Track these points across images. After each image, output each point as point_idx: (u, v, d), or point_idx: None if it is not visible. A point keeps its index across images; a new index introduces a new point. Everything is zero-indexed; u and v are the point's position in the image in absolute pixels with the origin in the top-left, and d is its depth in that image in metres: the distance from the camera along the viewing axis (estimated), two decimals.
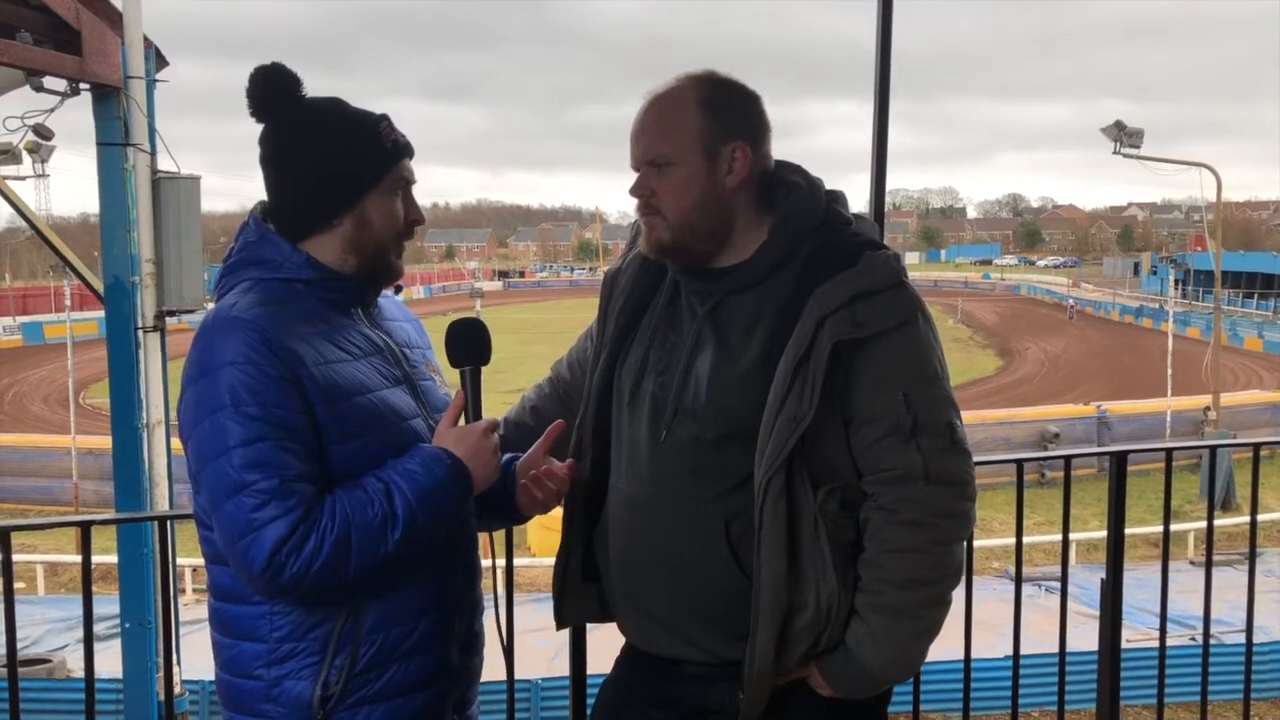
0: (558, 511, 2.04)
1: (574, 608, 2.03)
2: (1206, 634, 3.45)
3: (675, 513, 1.82)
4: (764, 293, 1.80)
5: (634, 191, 1.83)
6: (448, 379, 1.95)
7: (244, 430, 1.61)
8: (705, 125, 1.79)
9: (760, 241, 1.82)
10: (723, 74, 1.85)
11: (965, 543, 1.86)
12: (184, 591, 13.71)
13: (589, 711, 2.19)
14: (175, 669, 3.77)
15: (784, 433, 1.71)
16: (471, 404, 1.81)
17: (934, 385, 1.78)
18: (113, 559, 7.56)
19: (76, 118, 6.66)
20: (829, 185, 1.90)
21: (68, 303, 25.58)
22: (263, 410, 1.62)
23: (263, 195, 1.83)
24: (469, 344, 1.85)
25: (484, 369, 1.85)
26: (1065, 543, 3.23)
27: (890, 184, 3.08)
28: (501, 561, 3.00)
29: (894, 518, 1.75)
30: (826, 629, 1.77)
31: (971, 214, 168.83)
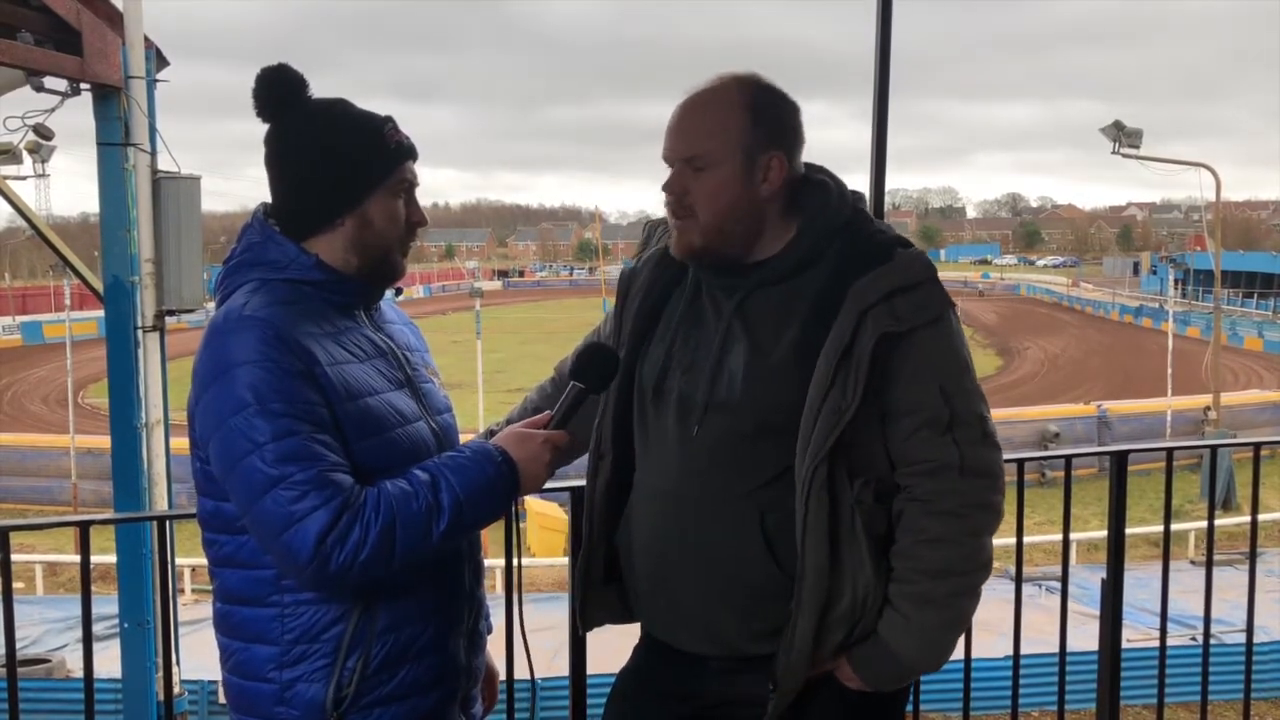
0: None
1: (597, 610, 2.04)
2: (1207, 634, 3.45)
3: (709, 507, 1.82)
4: (793, 288, 1.81)
5: (667, 188, 1.83)
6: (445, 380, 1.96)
7: (272, 426, 1.60)
8: (749, 131, 1.79)
9: (787, 239, 1.83)
10: (766, 79, 1.84)
11: (994, 536, 1.86)
12: (183, 592, 13.71)
13: (592, 708, 2.19)
14: (174, 669, 3.77)
15: (827, 425, 1.72)
16: (560, 417, 1.82)
17: (967, 378, 1.81)
18: (111, 559, 7.56)
19: (76, 118, 6.67)
20: None
21: (67, 302, 25.59)
22: (288, 405, 1.61)
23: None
24: (595, 369, 1.86)
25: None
26: (1065, 542, 3.22)
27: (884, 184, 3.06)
28: (502, 561, 3.00)
29: (930, 508, 1.77)
30: (861, 619, 1.79)
31: (971, 214, 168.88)
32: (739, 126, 1.79)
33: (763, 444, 1.79)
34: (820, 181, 1.87)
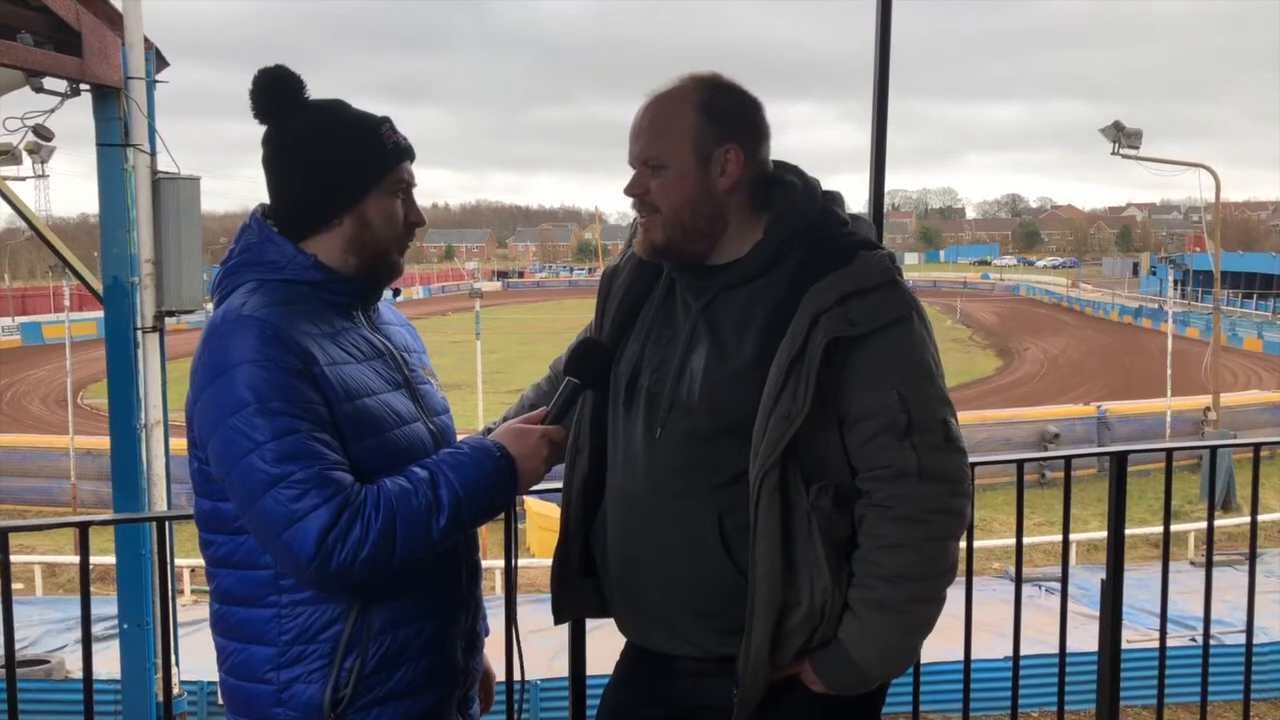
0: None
1: (572, 602, 2.04)
2: (1206, 634, 3.45)
3: (670, 508, 1.83)
4: (757, 290, 1.81)
5: (629, 190, 1.85)
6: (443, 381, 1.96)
7: (272, 425, 1.60)
8: (700, 128, 1.80)
9: (755, 240, 1.83)
10: (726, 78, 1.85)
11: (959, 541, 1.86)
12: (182, 592, 13.71)
13: (591, 708, 2.19)
14: (174, 669, 3.77)
15: (778, 430, 1.72)
16: (556, 412, 1.84)
17: (928, 383, 1.79)
18: (111, 560, 7.55)
19: (76, 119, 6.67)
20: None
21: (66, 303, 25.63)
22: (288, 404, 1.61)
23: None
24: (589, 363, 1.89)
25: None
26: (1065, 543, 3.22)
27: (884, 184, 3.06)
28: (502, 562, 3.01)
29: (887, 513, 1.75)
30: (820, 625, 1.78)
31: (970, 214, 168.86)
32: (690, 123, 1.80)
33: (723, 446, 1.79)
34: (789, 182, 1.87)
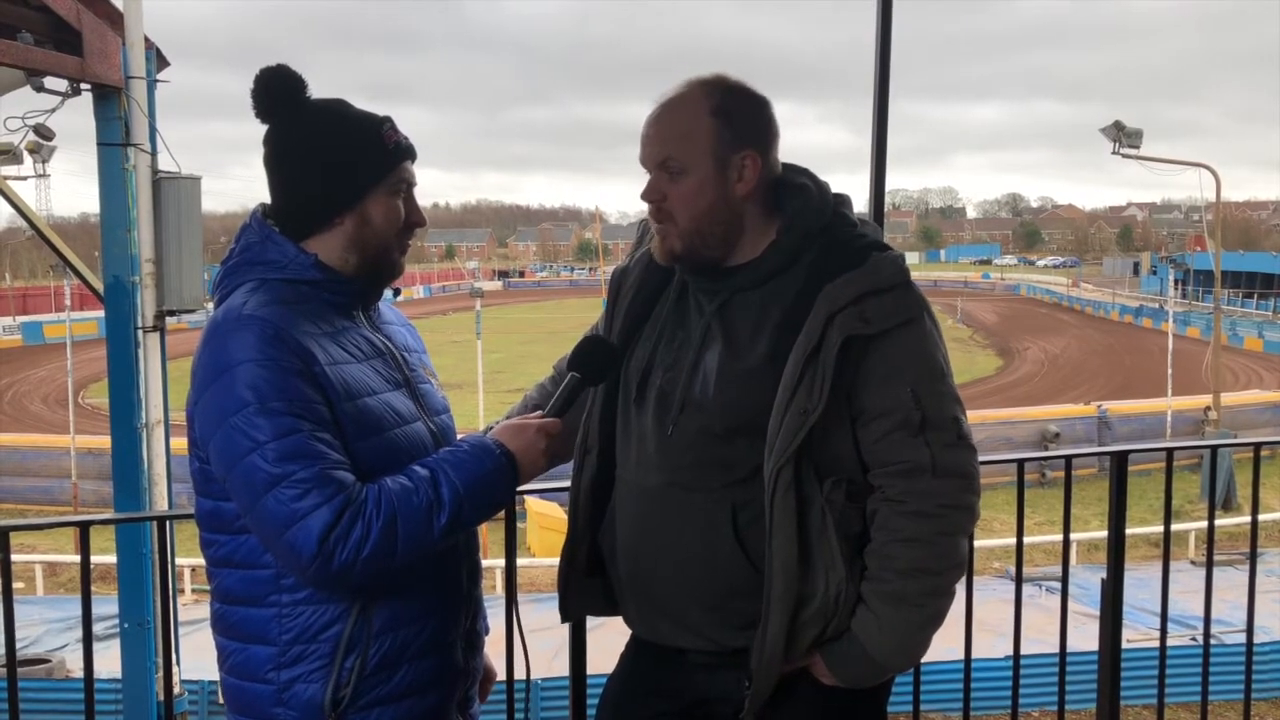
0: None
1: (579, 601, 2.05)
2: (1207, 634, 3.45)
3: (683, 504, 1.85)
4: (771, 291, 1.83)
5: (646, 196, 1.86)
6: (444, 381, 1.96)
7: (273, 425, 1.60)
8: (717, 134, 1.81)
9: (768, 242, 1.85)
10: (734, 79, 1.86)
11: (970, 536, 1.89)
12: (183, 592, 13.71)
13: (591, 708, 2.20)
14: (174, 669, 3.77)
15: (793, 425, 1.74)
16: (557, 407, 1.85)
17: (940, 381, 1.82)
18: (112, 559, 7.56)
19: (76, 118, 6.67)
20: None
21: (67, 302, 25.63)
22: (289, 404, 1.62)
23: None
24: (593, 360, 1.89)
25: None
26: (1066, 543, 3.22)
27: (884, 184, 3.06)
28: (502, 562, 3.00)
29: (901, 508, 1.78)
30: (834, 618, 1.80)
31: (971, 214, 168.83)
32: (707, 131, 1.81)
33: (735, 443, 1.81)
34: (801, 184, 1.89)
